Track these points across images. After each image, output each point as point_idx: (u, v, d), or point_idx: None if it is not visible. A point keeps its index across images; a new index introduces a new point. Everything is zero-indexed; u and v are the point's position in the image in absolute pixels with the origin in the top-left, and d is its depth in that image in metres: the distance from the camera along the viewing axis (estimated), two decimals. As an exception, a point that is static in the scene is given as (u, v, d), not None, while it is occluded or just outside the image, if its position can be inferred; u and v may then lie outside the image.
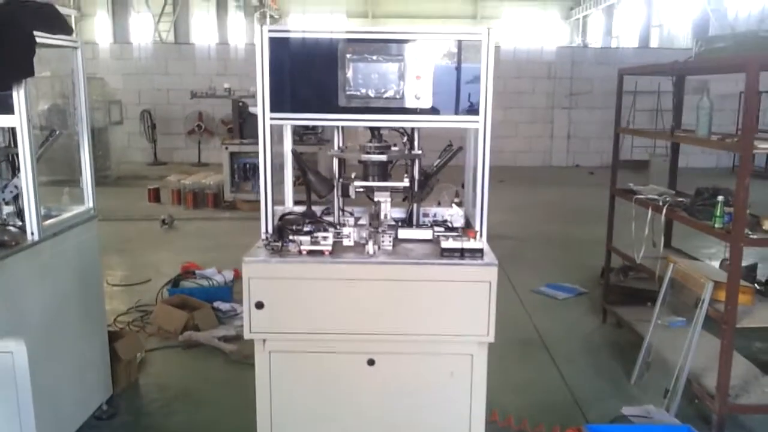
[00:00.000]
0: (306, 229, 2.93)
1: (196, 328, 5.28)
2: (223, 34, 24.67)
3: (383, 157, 3.08)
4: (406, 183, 3.11)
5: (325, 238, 2.84)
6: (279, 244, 2.83)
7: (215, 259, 7.40)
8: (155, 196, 11.33)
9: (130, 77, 17.07)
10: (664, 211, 4.53)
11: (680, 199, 4.75)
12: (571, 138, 18.52)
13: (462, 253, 2.76)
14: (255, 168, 10.14)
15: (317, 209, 3.46)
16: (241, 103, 10.96)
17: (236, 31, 26.66)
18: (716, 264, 5.37)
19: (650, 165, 14.38)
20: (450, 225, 3.26)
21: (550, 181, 15.19)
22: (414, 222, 3.27)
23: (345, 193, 3.17)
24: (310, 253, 2.80)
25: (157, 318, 5.42)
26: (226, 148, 10.65)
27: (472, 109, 2.94)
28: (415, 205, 3.28)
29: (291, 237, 2.84)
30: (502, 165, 16.63)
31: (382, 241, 2.91)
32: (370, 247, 2.82)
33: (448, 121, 2.97)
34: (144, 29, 21.86)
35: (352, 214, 3.39)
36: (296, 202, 3.60)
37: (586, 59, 18.46)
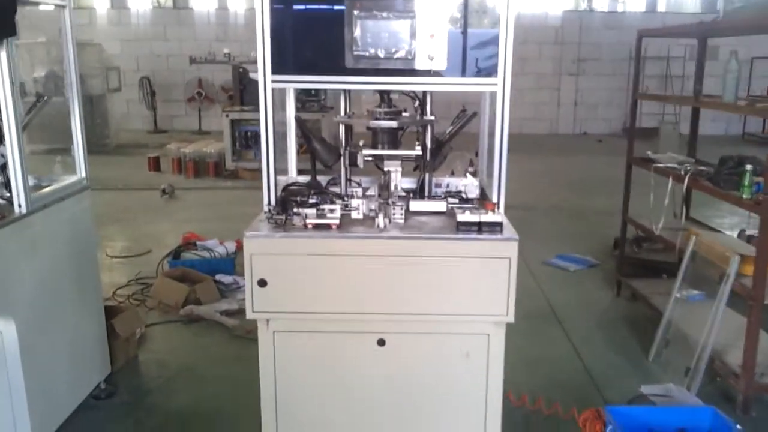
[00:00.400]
0: (311, 200, 2.72)
1: (198, 301, 5.12)
2: (223, -1, 24.13)
3: (393, 124, 2.86)
4: (418, 151, 2.90)
5: (332, 210, 2.64)
6: (282, 217, 2.63)
7: (217, 229, 7.22)
8: (155, 164, 11.11)
9: (129, 43, 16.73)
10: (687, 180, 4.31)
11: (702, 168, 4.53)
12: (578, 105, 18.20)
13: (479, 226, 2.56)
14: (257, 136, 9.90)
15: (322, 179, 3.25)
16: (241, 69, 10.68)
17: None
18: (733, 235, 5.18)
19: (660, 132, 14.12)
20: (464, 196, 3.06)
21: (557, 149, 14.93)
22: (426, 193, 3.06)
23: (353, 162, 2.96)
24: (316, 227, 2.60)
25: (158, 291, 5.25)
26: (227, 116, 10.40)
27: (490, 71, 2.72)
28: (427, 175, 3.07)
29: (295, 209, 2.63)
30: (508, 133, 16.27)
31: (393, 214, 2.71)
32: (381, 221, 2.62)
33: (463, 84, 2.74)
34: (142, -6, 21.37)
35: (359, 184, 3.18)
36: (300, 172, 3.40)
37: (593, 24, 18.03)
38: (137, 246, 6.89)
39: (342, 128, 3.03)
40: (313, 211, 2.62)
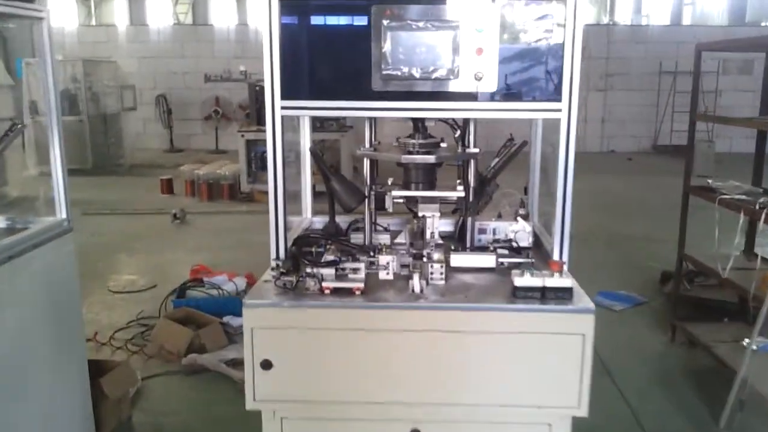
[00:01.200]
0: (329, 257, 2.18)
1: (203, 348, 4.59)
2: (243, 14, 23.93)
3: (431, 159, 2.32)
4: (459, 192, 2.35)
5: (355, 270, 2.10)
6: (293, 278, 2.09)
7: (229, 259, 6.72)
8: (168, 187, 10.67)
9: (146, 61, 16.43)
10: (763, 216, 3.72)
11: (779, 200, 3.93)
12: (606, 122, 17.57)
13: (543, 293, 2.01)
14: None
15: (342, 220, 2.73)
16: (258, 87, 10.23)
17: (256, 11, 25.90)
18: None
19: (695, 150, 13.45)
20: (515, 245, 2.50)
21: (585, 168, 14.25)
22: (468, 242, 2.51)
23: (380, 206, 2.43)
24: (336, 291, 2.06)
25: (159, 336, 4.73)
26: (242, 136, 9.95)
27: (551, 94, 2.18)
28: (469, 220, 2.52)
29: (309, 269, 2.09)
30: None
31: (431, 273, 2.16)
32: (416, 283, 2.08)
33: (520, 110, 2.20)
34: (161, 11, 21.21)
35: (387, 229, 2.65)
36: (315, 213, 2.88)
37: (620, 37, 17.44)
38: (143, 279, 6.40)
39: (366, 163, 2.50)
40: (331, 271, 2.09)
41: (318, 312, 2.01)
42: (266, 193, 2.24)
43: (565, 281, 2.01)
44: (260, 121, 10.35)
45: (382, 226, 2.65)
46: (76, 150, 11.99)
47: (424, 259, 2.27)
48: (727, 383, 3.84)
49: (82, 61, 12.67)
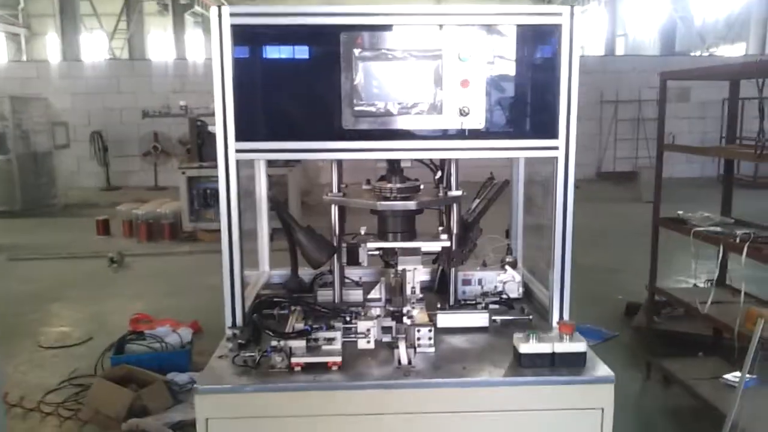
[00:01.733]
0: (297, 324, 1.85)
1: (145, 410, 4.13)
2: (181, 49, 23.44)
3: (411, 205, 2.02)
4: (444, 242, 2.06)
5: (330, 340, 1.77)
6: (255, 354, 1.75)
7: (173, 306, 6.25)
8: (104, 228, 10.07)
9: (79, 97, 15.75)
10: (746, 250, 3.55)
11: (755, 232, 3.79)
12: (551, 150, 17.70)
13: (552, 360, 1.72)
14: (218, 194, 9.02)
15: (305, 272, 2.41)
16: (199, 123, 9.82)
17: (194, 46, 25.46)
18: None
19: (639, 177, 13.59)
20: (506, 297, 2.23)
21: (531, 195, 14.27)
22: (452, 296, 2.22)
23: (352, 260, 2.12)
24: (308, 367, 1.73)
25: (95, 398, 4.25)
26: (183, 173, 9.48)
27: (547, 129, 1.92)
28: (452, 271, 2.23)
29: (274, 342, 1.76)
30: (476, 180, 15.63)
31: (418, 339, 1.85)
32: (403, 354, 1.77)
33: (512, 149, 1.94)
34: (96, 47, 20.57)
35: (358, 283, 2.33)
36: (274, 265, 2.55)
37: (561, 69, 17.66)
38: (77, 331, 5.87)
39: (335, 210, 2.19)
40: (302, 343, 1.75)
41: (289, 397, 1.68)
42: (210, 231, 1.90)
43: (577, 345, 1.73)
44: (202, 157, 9.93)
45: (352, 280, 2.33)
46: (3, 190, 11.28)
47: (406, 320, 1.97)
48: (710, 423, 3.64)
49: (9, 98, 11.99)
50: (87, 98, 15.81)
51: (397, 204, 2.00)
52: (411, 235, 2.07)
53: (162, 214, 9.77)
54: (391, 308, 2.12)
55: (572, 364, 1.72)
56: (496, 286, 2.27)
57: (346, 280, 2.33)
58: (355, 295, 2.27)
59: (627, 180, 15.00)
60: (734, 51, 20.23)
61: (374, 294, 2.25)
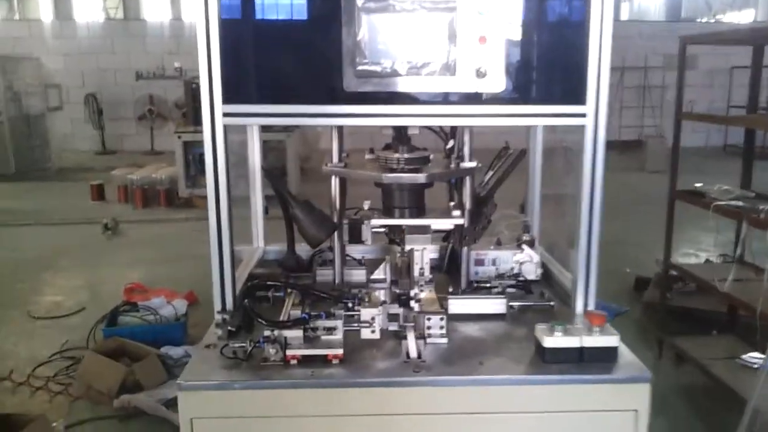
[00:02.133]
0: (293, 311, 1.66)
1: (138, 386, 3.98)
2: (177, 9, 22.89)
3: (421, 178, 1.81)
4: (457, 219, 1.85)
5: (330, 330, 1.58)
6: (246, 344, 1.56)
7: (168, 274, 6.09)
8: (99, 193, 9.85)
9: (73, 57, 15.38)
10: (771, 225, 3.35)
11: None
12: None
13: (581, 355, 1.53)
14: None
15: (303, 249, 2.21)
16: (194, 85, 9.53)
17: (190, 6, 24.87)
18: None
19: (646, 146, 13.31)
20: (523, 279, 2.03)
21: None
22: (464, 278, 2.02)
23: (355, 238, 1.91)
24: (305, 360, 1.54)
25: (86, 373, 4.09)
26: (179, 137, 9.23)
27: (572, 95, 1.70)
28: (465, 250, 2.03)
29: (267, 332, 1.56)
30: (485, 147, 15.21)
31: (428, 329, 1.66)
32: (412, 346, 1.58)
33: (534, 115, 1.72)
34: (90, 6, 20.05)
35: (361, 262, 2.13)
36: (270, 240, 2.35)
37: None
38: (69, 301, 5.70)
39: (335, 183, 1.98)
40: (298, 333, 1.56)
41: (284, 394, 1.49)
42: (206, 198, 1.68)
43: (609, 339, 1.54)
44: (198, 121, 9.62)
45: (354, 258, 2.13)
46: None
47: (414, 304, 1.77)
48: (724, 404, 3.49)
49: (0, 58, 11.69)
50: (80, 59, 15.45)
51: (405, 176, 1.79)
52: (420, 211, 1.86)
53: (157, 179, 9.56)
54: (397, 290, 1.92)
55: (602, 359, 1.53)
56: (512, 268, 2.07)
57: (348, 259, 2.13)
58: (358, 275, 2.07)
59: (632, 149, 14.72)
60: (742, 17, 19.74)
61: (378, 274, 2.06)
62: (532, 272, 2.06)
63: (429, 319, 1.67)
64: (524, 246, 2.10)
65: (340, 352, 1.54)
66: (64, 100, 13.76)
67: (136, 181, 9.50)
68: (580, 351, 1.52)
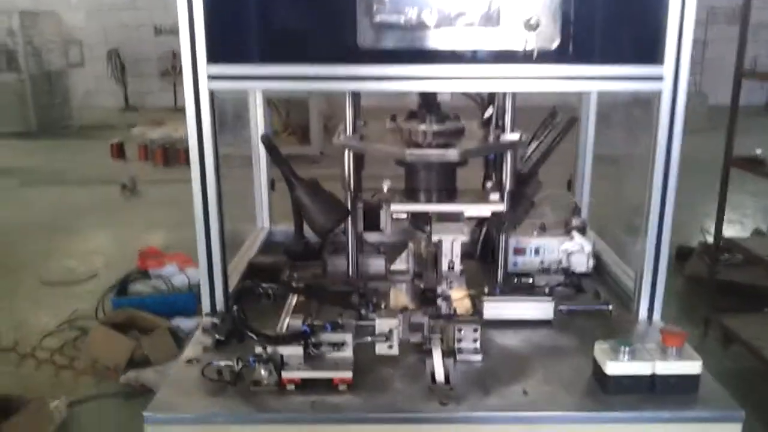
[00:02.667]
0: (293, 320, 1.36)
1: (147, 360, 3.75)
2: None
3: (453, 155, 1.47)
4: (497, 205, 1.51)
5: (337, 346, 1.28)
6: (232, 364, 1.26)
7: (186, 239, 5.73)
8: (119, 151, 9.63)
9: (94, 13, 15.04)
10: None
11: None
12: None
13: (653, 384, 1.21)
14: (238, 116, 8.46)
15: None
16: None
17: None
18: None
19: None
20: (572, 273, 1.71)
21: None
22: (501, 272, 1.70)
23: (371, 224, 1.60)
24: (304, 385, 1.24)
25: (93, 347, 3.88)
26: (200, 94, 8.91)
27: (646, 53, 1.35)
28: (502, 239, 1.71)
29: (259, 349, 1.26)
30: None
31: (458, 342, 1.35)
32: (438, 368, 1.27)
33: (596, 77, 1.37)
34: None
35: (379, 249, 1.82)
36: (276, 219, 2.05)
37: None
38: (81, 266, 5.49)
39: (349, 157, 1.65)
40: (296, 351, 1.26)
41: (278, 430, 1.19)
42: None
43: (689, 365, 1.21)
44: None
45: (372, 245, 1.82)
46: (16, 111, 10.87)
47: (440, 304, 1.47)
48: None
49: (19, 13, 11.39)
50: (102, 15, 15.09)
51: (434, 153, 1.45)
52: (450, 195, 1.54)
53: (178, 138, 9.28)
54: (422, 285, 1.62)
55: (680, 391, 1.21)
56: (559, 259, 1.74)
57: (365, 245, 1.82)
58: (376, 265, 1.76)
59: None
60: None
61: (400, 265, 1.74)
62: (582, 264, 1.73)
63: (460, 330, 1.36)
64: (574, 233, 1.77)
65: (348, 375, 1.24)
66: (85, 57, 13.49)
67: (156, 140, 9.26)
68: (652, 379, 1.21)
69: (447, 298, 1.57)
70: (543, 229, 1.80)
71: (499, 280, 1.73)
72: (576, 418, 1.17)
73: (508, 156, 1.62)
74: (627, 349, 1.22)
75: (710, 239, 4.35)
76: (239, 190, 1.81)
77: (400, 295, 1.63)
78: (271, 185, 2.05)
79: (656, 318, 1.53)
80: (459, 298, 1.54)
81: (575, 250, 1.73)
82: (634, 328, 1.51)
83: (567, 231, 1.79)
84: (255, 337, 1.25)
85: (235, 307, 1.35)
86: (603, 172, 2.06)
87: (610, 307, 1.52)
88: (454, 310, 1.56)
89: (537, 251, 1.78)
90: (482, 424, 1.17)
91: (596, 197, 1.98)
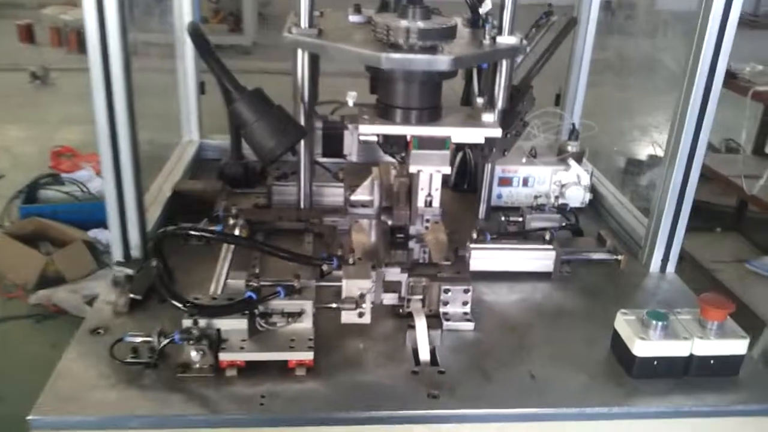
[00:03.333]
0: (234, 280, 1.03)
1: (60, 278, 3.40)
2: None
3: (444, 62, 1.11)
4: (494, 130, 1.19)
5: (292, 316, 0.97)
6: (152, 340, 0.94)
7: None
8: (27, 34, 8.71)
9: None
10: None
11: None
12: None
13: (687, 366, 0.97)
14: None
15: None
16: None
17: None
18: None
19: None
20: (571, 210, 1.44)
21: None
22: (481, 204, 1.42)
23: (333, 151, 1.27)
24: (249, 368, 0.94)
25: (-1, 261, 3.49)
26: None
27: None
28: (488, 168, 1.41)
29: (188, 320, 0.94)
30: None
31: (445, 304, 1.07)
32: (423, 345, 0.98)
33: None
34: None
35: (337, 176, 1.48)
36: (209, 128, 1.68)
37: None
38: (-15, 166, 4.94)
39: (302, 59, 1.28)
40: (240, 324, 0.95)
41: (212, 436, 0.89)
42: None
43: (733, 345, 0.97)
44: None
45: (327, 169, 1.48)
46: None
47: (412, 246, 1.18)
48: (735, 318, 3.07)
49: None
50: None
51: (420, 58, 1.10)
52: (434, 115, 1.20)
53: (95, 21, 8.46)
54: (390, 222, 1.31)
55: (718, 373, 0.97)
56: (553, 192, 1.46)
57: (319, 171, 1.49)
58: (333, 195, 1.44)
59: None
60: None
61: (362, 194, 1.42)
62: (578, 198, 1.46)
63: (447, 291, 1.07)
64: (570, 160, 1.48)
65: (308, 356, 0.94)
66: None
67: (70, 23, 8.41)
68: (688, 361, 0.96)
69: (421, 241, 1.28)
70: (533, 156, 1.50)
71: (481, 215, 1.45)
72: (601, 415, 0.92)
73: (504, 65, 1.29)
74: (660, 324, 0.96)
75: (661, 152, 4.22)
76: (160, 93, 1.43)
77: (362, 234, 1.33)
78: (201, 88, 1.67)
79: (670, 270, 1.28)
80: (436, 241, 1.25)
81: (571, 182, 1.45)
82: (644, 281, 1.26)
83: (562, 158, 1.50)
84: (182, 307, 0.93)
85: (153, 261, 1.02)
86: (598, 82, 1.76)
87: (620, 257, 1.26)
88: (429, 255, 1.28)
89: (525, 182, 1.49)
90: (485, 422, 0.90)
91: (591, 117, 1.69)
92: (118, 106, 1.08)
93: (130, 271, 1.12)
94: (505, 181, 1.48)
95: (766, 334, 2.97)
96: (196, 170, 1.62)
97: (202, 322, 0.94)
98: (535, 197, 1.41)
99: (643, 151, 5.05)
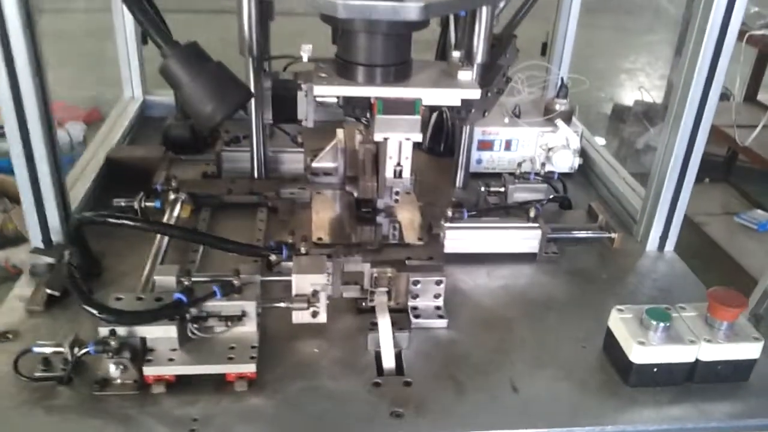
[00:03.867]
0: (163, 277, 0.87)
1: (19, 237, 3.23)
2: None
3: (413, 11, 0.93)
4: (474, 91, 1.02)
5: (234, 320, 0.82)
6: (63, 350, 0.79)
7: (72, 80, 5.02)
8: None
9: None
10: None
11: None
12: None
13: (692, 372, 0.84)
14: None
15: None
16: None
17: None
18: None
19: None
20: (558, 178, 1.29)
21: None
22: (459, 171, 1.26)
23: (285, 116, 1.10)
24: (180, 383, 0.79)
25: (-50, 218, 3.30)
26: None
27: None
28: (466, 130, 1.25)
29: (105, 329, 0.79)
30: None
31: (414, 298, 0.93)
32: (387, 350, 0.84)
33: None
34: None
35: (295, 140, 1.31)
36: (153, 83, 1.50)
37: None
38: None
39: (249, 7, 1.10)
40: (167, 331, 0.79)
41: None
42: None
43: (746, 348, 0.84)
44: None
45: (286, 132, 1.31)
46: None
47: (381, 221, 1.03)
48: (724, 274, 2.98)
49: None
50: None
51: (385, 5, 0.92)
52: (402, 73, 1.03)
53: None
54: (355, 194, 1.16)
55: (726, 379, 0.84)
56: (536, 156, 1.30)
57: (276, 136, 1.32)
58: (292, 161, 1.28)
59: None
60: None
61: (324, 160, 1.26)
62: (566, 163, 1.30)
63: (416, 283, 0.93)
64: (558, 121, 1.32)
65: (250, 368, 0.79)
66: None
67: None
68: (693, 367, 0.83)
69: (391, 216, 1.13)
70: (517, 115, 1.34)
71: (458, 184, 1.29)
72: (593, 434, 0.79)
73: (483, 13, 1.12)
74: (661, 325, 0.82)
75: (648, 97, 4.08)
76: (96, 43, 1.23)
77: (324, 211, 1.17)
78: (143, 38, 1.47)
79: (669, 249, 1.15)
80: (407, 218, 1.10)
81: (559, 146, 1.29)
82: (640, 262, 1.13)
83: (549, 117, 1.34)
84: (96, 313, 0.77)
85: (66, 253, 0.86)
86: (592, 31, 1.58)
87: (614, 235, 1.12)
88: (400, 232, 1.13)
89: (508, 145, 1.33)
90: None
91: (582, 71, 1.52)
92: (18, 57, 0.89)
93: (50, 260, 0.96)
94: (485, 145, 1.32)
95: (755, 292, 2.88)
96: (137, 132, 1.44)
97: (122, 330, 0.78)
98: (519, 163, 1.26)
99: (629, 95, 4.86)
